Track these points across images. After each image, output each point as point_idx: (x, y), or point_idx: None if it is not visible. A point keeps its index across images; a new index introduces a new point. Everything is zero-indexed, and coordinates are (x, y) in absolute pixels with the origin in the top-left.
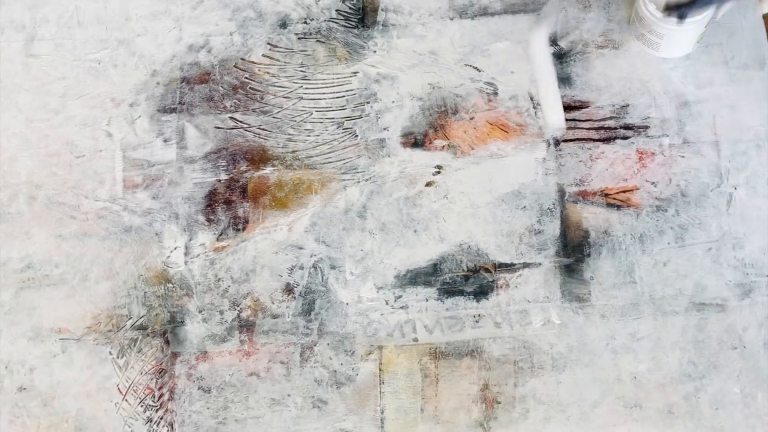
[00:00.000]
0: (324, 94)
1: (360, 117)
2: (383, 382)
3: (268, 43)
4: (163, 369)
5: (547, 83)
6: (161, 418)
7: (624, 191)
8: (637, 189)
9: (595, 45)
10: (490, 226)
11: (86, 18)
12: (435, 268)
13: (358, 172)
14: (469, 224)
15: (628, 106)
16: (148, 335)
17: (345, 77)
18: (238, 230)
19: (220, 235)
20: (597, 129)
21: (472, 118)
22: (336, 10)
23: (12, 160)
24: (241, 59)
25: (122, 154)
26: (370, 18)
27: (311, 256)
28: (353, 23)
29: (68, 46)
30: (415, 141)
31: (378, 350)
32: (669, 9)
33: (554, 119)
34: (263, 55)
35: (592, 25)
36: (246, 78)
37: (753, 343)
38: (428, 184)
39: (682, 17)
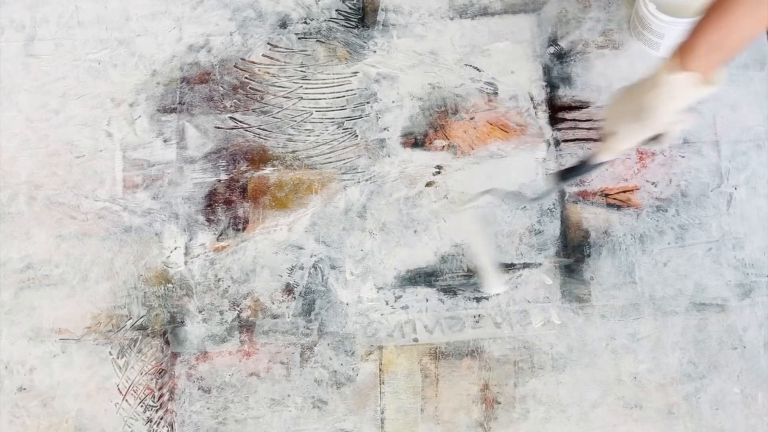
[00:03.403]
0: (324, 94)
1: (360, 117)
2: (383, 382)
3: (268, 43)
4: (163, 369)
5: (483, 256)
6: (161, 418)
7: (624, 191)
8: (637, 189)
9: (595, 45)
10: (491, 226)
11: (86, 18)
12: (435, 268)
13: (358, 172)
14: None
15: None
16: (148, 335)
17: (345, 77)
18: (238, 230)
19: (220, 235)
20: (597, 129)
21: (472, 118)
22: (336, 10)
23: (12, 160)
24: (241, 59)
25: (122, 154)
26: (370, 18)
27: (311, 256)
28: (353, 23)
29: (68, 46)
30: (415, 141)
31: (378, 350)
32: (556, 178)
33: (492, 288)
34: (263, 55)
35: (592, 25)
36: (246, 78)
37: (753, 343)
38: (428, 184)
39: (564, 179)
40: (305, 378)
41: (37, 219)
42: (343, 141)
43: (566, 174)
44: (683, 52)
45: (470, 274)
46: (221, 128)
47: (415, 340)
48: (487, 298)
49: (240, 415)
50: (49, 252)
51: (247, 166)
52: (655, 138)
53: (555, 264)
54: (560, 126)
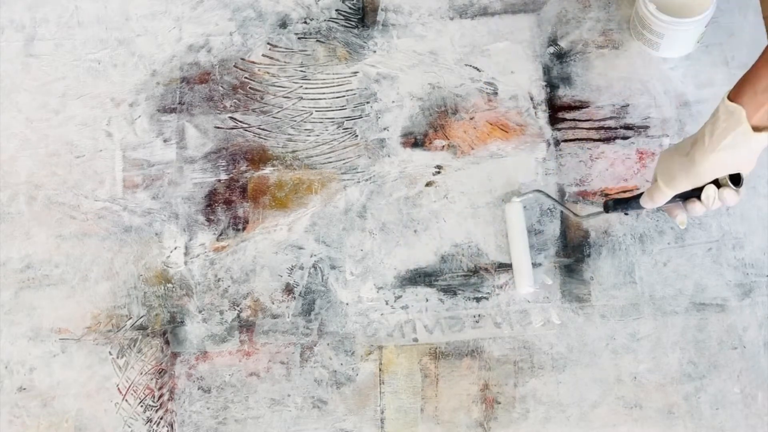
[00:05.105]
0: (324, 94)
1: (360, 117)
2: (383, 382)
3: (268, 43)
4: (163, 369)
5: (520, 251)
6: (161, 418)
7: (624, 191)
8: (637, 189)
9: (595, 45)
10: (490, 226)
11: (86, 18)
12: (435, 268)
13: (358, 172)
14: (469, 224)
15: (628, 106)
16: (148, 335)
17: (345, 77)
18: (238, 230)
19: (220, 235)
20: (597, 129)
21: (472, 118)
22: (336, 10)
23: (12, 160)
24: (241, 59)
25: (122, 154)
26: (370, 18)
27: (311, 256)
28: (353, 23)
29: (68, 46)
30: (415, 141)
31: (378, 350)
32: (607, 208)
33: (523, 288)
34: (263, 55)
35: (592, 25)
36: (246, 78)
37: (753, 343)
38: (428, 184)
39: (612, 209)
40: (305, 378)
41: (37, 219)
42: (343, 141)
43: (615, 204)
44: (740, 90)
45: (470, 273)
46: (221, 128)
47: (415, 340)
48: (487, 298)
49: (240, 415)
50: (49, 252)
51: (247, 166)
52: (697, 195)
53: (555, 264)
54: (560, 126)
